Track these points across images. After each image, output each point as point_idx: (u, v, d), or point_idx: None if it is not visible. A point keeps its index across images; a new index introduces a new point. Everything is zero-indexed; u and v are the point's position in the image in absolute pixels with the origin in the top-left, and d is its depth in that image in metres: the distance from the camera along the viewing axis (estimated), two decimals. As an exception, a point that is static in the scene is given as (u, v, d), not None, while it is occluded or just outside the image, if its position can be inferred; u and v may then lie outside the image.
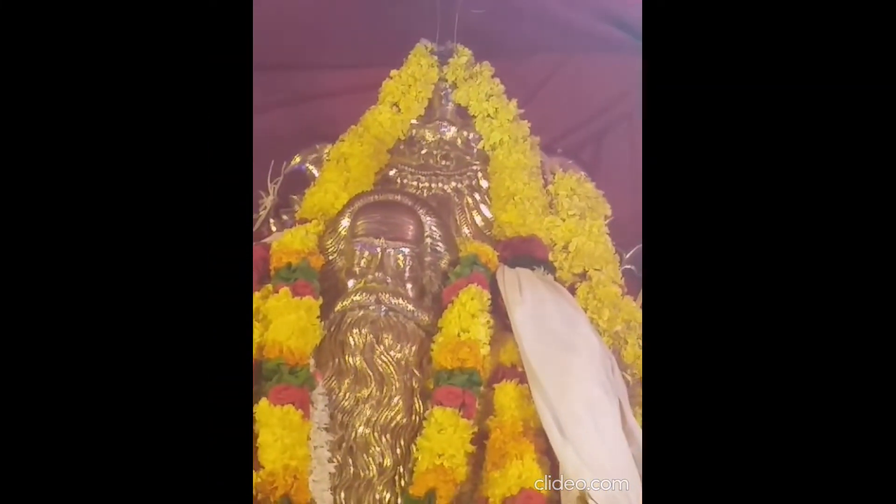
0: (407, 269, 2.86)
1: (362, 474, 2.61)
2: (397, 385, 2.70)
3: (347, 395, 2.69)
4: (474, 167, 3.42)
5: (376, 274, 2.82)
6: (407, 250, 2.87)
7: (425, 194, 3.31)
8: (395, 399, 2.68)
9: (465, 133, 3.49)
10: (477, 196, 3.37)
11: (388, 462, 2.62)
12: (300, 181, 3.41)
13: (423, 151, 3.45)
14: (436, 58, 3.61)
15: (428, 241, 2.93)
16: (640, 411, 2.79)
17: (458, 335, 2.71)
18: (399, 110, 3.52)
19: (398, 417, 2.66)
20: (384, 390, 2.69)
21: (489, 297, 2.82)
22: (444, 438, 2.55)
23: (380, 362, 2.71)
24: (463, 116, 3.54)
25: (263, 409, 2.56)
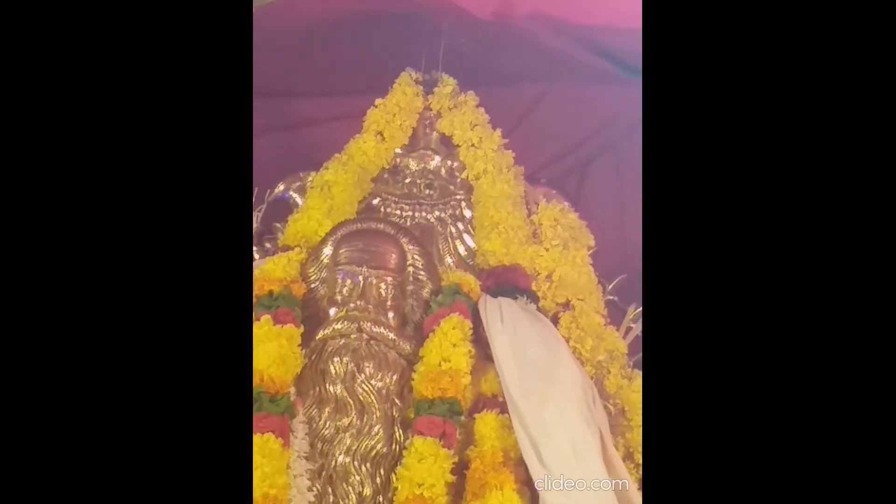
0: (389, 297, 2.86)
1: (342, 503, 2.60)
2: (378, 414, 2.70)
3: (328, 423, 2.69)
4: (458, 196, 3.42)
5: (358, 302, 2.82)
6: (389, 279, 2.87)
7: (408, 223, 3.31)
8: (376, 428, 2.68)
9: (449, 162, 3.49)
10: (460, 225, 3.37)
11: (367, 491, 2.62)
12: (283, 209, 3.40)
13: (407, 180, 3.45)
14: (421, 87, 3.63)
15: (410, 269, 2.93)
16: (622, 441, 2.81)
17: (440, 364, 2.71)
18: (383, 139, 3.52)
19: (378, 446, 2.66)
20: (364, 419, 2.69)
21: (471, 326, 2.82)
22: (425, 468, 2.55)
23: (360, 391, 2.71)
24: (447, 146, 3.54)
25: (243, 438, 2.56)
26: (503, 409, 2.66)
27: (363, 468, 2.64)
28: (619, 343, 3.06)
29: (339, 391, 2.71)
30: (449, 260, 3.29)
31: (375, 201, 3.40)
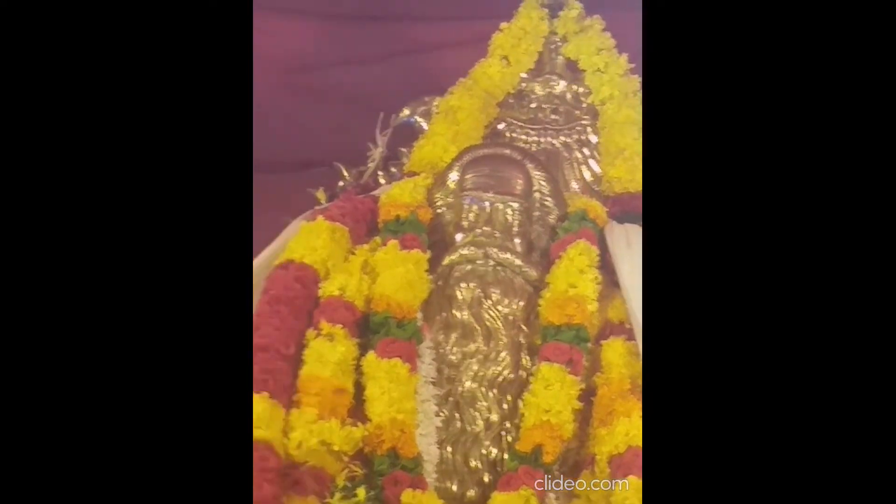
0: (515, 223, 2.84)
1: (469, 429, 2.62)
2: (504, 340, 2.70)
3: (454, 349, 2.70)
4: (584, 122, 3.38)
5: (484, 228, 2.81)
6: (515, 205, 2.86)
7: (534, 148, 3.28)
8: (502, 354, 2.69)
9: (574, 87, 3.45)
10: (586, 151, 3.33)
11: (494, 417, 2.62)
12: (409, 134, 3.40)
13: (533, 105, 3.41)
14: (546, 10, 3.56)
15: (536, 195, 2.91)
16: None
17: (566, 291, 2.70)
18: (509, 63, 3.48)
19: (505, 372, 2.67)
20: (491, 345, 2.69)
21: (598, 252, 2.80)
22: (551, 394, 2.55)
23: (487, 317, 2.72)
24: (573, 70, 3.49)
25: (371, 363, 2.58)
26: (630, 335, 2.65)
27: (490, 394, 2.65)
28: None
29: (465, 317, 2.72)
30: (574, 185, 3.26)
31: (501, 126, 3.37)
